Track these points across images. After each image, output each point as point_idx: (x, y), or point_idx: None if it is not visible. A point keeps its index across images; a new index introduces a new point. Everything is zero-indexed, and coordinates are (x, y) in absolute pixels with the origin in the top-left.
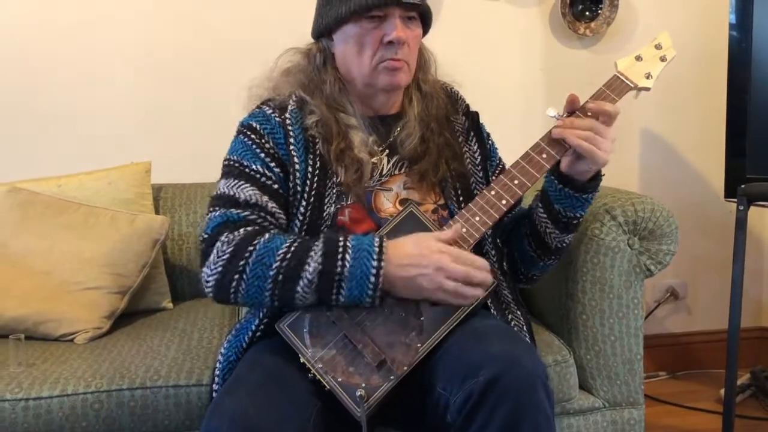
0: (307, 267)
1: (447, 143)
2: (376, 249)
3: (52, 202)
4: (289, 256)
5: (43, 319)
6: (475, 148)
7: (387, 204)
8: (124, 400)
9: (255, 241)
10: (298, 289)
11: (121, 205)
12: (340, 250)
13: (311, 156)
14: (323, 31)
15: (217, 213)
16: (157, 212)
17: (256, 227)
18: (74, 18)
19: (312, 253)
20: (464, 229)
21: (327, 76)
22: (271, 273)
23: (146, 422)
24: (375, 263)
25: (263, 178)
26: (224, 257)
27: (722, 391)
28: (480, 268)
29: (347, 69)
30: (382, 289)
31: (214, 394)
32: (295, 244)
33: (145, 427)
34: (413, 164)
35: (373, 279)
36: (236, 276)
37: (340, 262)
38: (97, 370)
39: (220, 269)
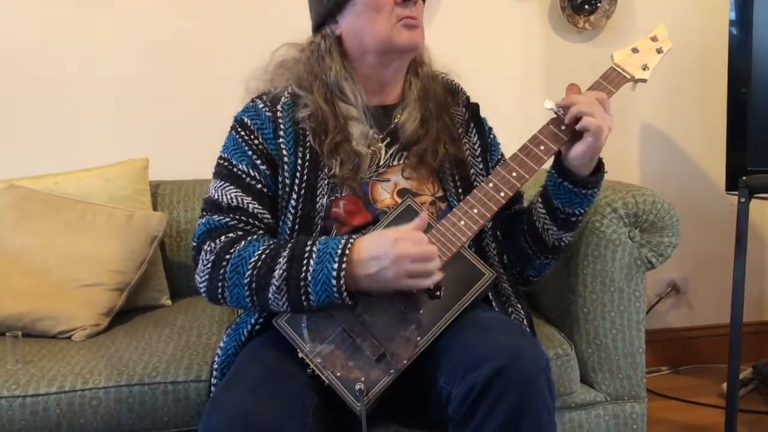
0: (274, 274)
1: (446, 126)
2: (339, 251)
3: (49, 200)
4: (260, 264)
5: (41, 316)
6: (475, 139)
7: (384, 195)
8: (122, 396)
9: (232, 250)
10: (270, 296)
11: (119, 202)
12: (306, 255)
13: (301, 149)
14: (325, 15)
15: (203, 220)
16: (154, 209)
17: (239, 232)
18: (71, 14)
19: (280, 260)
20: (462, 222)
21: (332, 63)
22: (245, 281)
23: (145, 418)
24: (336, 265)
25: (248, 178)
26: (208, 266)
27: (724, 386)
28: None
29: (360, 42)
30: (349, 290)
31: (212, 388)
32: (267, 252)
33: (144, 423)
34: (412, 147)
35: (334, 282)
36: (219, 284)
37: (304, 267)
38: (95, 366)
39: (206, 277)
